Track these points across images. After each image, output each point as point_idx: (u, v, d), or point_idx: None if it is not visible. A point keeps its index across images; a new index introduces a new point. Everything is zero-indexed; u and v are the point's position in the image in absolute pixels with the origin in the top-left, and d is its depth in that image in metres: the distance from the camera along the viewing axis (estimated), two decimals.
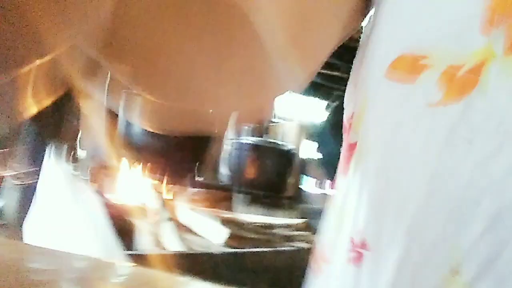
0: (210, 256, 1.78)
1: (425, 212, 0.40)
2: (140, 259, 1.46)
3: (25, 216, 1.48)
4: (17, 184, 1.50)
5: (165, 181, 2.03)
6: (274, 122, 4.09)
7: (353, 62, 0.48)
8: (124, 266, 0.46)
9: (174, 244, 1.82)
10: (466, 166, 0.38)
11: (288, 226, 2.37)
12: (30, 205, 1.49)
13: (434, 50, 0.40)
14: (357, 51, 0.48)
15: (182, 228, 2.02)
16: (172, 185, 2.34)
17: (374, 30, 0.44)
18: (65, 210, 1.43)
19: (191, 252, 1.77)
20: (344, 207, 0.45)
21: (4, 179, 1.38)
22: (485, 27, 0.38)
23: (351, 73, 0.49)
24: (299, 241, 2.27)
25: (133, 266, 0.42)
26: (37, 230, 1.42)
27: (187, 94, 0.35)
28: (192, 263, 1.64)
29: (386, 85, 0.42)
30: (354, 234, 0.44)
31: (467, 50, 0.39)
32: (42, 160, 1.52)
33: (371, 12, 0.46)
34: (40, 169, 1.46)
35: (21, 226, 1.49)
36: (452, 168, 0.39)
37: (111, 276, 0.35)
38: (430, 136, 0.40)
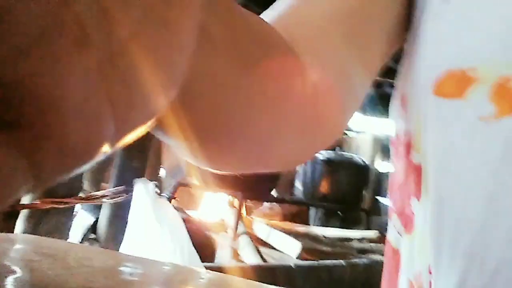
0: (285, 268, 1.81)
1: (484, 235, 0.38)
2: (218, 271, 1.54)
3: (115, 231, 1.63)
4: (108, 203, 1.65)
5: (241, 196, 2.11)
6: (347, 135, 4.07)
7: (396, 76, 0.46)
8: (204, 271, 0.50)
9: (250, 257, 1.89)
10: None
11: (362, 239, 2.36)
12: (119, 221, 1.64)
13: (482, 62, 0.38)
14: (399, 65, 0.46)
15: (258, 242, 2.09)
16: (248, 201, 2.42)
17: (418, 46, 0.42)
18: (152, 234, 1.55)
19: (267, 264, 1.82)
20: (423, 234, 0.43)
21: (97, 198, 1.53)
22: None
23: (395, 87, 0.46)
24: (373, 253, 2.26)
25: (214, 274, 0.46)
26: (130, 245, 1.56)
27: (258, 161, 0.33)
28: (268, 275, 1.70)
29: (435, 103, 0.40)
30: (431, 262, 0.42)
31: None
32: (130, 179, 1.67)
33: (413, 26, 0.44)
34: (127, 188, 1.60)
35: (112, 239, 1.63)
36: (510, 187, 0.37)
37: (193, 280, 0.38)
38: (484, 154, 0.38)
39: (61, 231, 1.47)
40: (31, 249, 0.44)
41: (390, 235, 0.48)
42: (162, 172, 2.18)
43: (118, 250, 1.55)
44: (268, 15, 0.38)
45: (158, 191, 1.73)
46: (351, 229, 2.71)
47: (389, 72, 0.47)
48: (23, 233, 1.34)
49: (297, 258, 1.94)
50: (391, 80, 0.49)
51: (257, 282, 0.41)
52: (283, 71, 0.29)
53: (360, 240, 2.35)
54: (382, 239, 2.47)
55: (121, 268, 0.40)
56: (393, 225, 0.47)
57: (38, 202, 1.32)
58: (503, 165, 0.38)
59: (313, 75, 0.32)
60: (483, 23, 0.39)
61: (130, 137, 0.15)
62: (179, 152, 0.26)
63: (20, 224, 1.37)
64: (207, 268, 1.50)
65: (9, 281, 0.31)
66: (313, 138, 0.36)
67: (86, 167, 0.14)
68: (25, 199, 1.36)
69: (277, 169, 0.38)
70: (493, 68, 0.38)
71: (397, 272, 0.46)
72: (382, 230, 2.69)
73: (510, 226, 0.37)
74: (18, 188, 0.12)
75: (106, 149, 0.14)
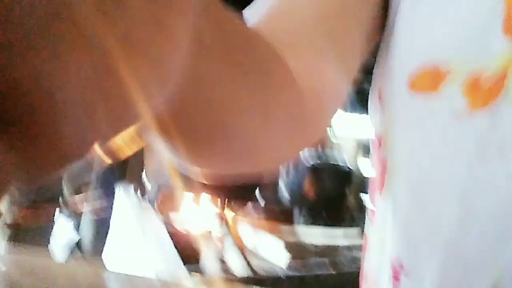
0: (275, 279, 1.79)
1: (460, 230, 0.38)
2: (205, 283, 1.52)
3: (100, 247, 1.59)
4: (92, 219, 1.62)
5: (227, 207, 2.10)
6: (327, 133, 4.08)
7: (373, 72, 0.46)
8: (190, 284, 0.49)
9: (238, 269, 1.87)
10: (499, 179, 0.35)
11: (352, 248, 2.35)
12: (104, 237, 1.60)
13: (455, 56, 0.37)
14: (376, 61, 0.45)
15: (246, 253, 2.07)
16: (234, 211, 2.40)
17: (392, 41, 0.41)
18: (134, 239, 1.53)
19: (256, 276, 1.81)
20: (384, 228, 0.44)
21: (81, 215, 1.50)
22: (508, 26, 0.35)
23: (372, 83, 0.46)
24: (359, 250, 2.26)
25: (201, 285, 0.45)
26: (113, 258, 1.53)
27: (245, 162, 0.33)
28: (258, 286, 1.68)
29: (408, 98, 0.39)
30: (392, 257, 0.42)
31: (490, 52, 0.36)
32: (113, 195, 1.63)
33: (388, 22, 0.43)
34: (111, 204, 1.57)
35: (97, 255, 1.59)
36: (484, 182, 0.36)
37: None
38: (458, 149, 0.37)
39: (41, 238, 1.43)
40: (14, 270, 0.42)
41: (366, 227, 0.49)
42: (144, 175, 2.15)
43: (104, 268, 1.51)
44: (249, 16, 0.37)
45: (140, 195, 1.70)
46: (340, 235, 2.72)
47: (367, 69, 0.46)
48: (4, 240, 1.31)
49: (287, 269, 1.92)
50: (369, 77, 0.47)
51: None
52: (271, 75, 0.29)
53: (349, 249, 2.34)
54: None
55: (108, 285, 0.39)
56: (369, 219, 0.48)
57: (16, 211, 1.28)
58: (476, 160, 0.37)
59: (297, 76, 0.31)
60: (456, 17, 0.38)
61: (120, 136, 0.15)
62: (166, 153, 0.26)
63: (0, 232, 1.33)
64: (191, 271, 1.47)
65: None
66: (298, 137, 0.35)
67: (75, 166, 0.14)
68: (2, 207, 1.32)
69: (263, 168, 0.38)
70: (466, 62, 0.37)
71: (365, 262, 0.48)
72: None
73: (485, 220, 0.37)
74: (8, 183, 0.12)
75: (97, 147, 0.15)
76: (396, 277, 0.41)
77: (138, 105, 0.15)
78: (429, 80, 0.38)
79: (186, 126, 0.23)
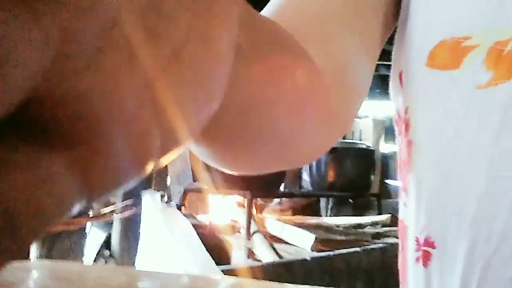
0: (301, 262, 1.82)
1: (489, 201, 0.37)
2: (234, 272, 1.55)
3: (131, 255, 1.64)
4: (123, 227, 1.66)
5: (250, 195, 2.12)
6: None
7: (392, 52, 0.46)
8: (224, 279, 0.51)
9: (266, 255, 1.89)
10: None
11: (375, 224, 2.36)
12: (135, 245, 1.65)
13: (476, 28, 0.37)
14: (394, 41, 0.45)
15: (272, 239, 2.09)
16: (258, 199, 2.42)
17: (410, 21, 0.41)
18: (164, 243, 1.56)
19: (282, 261, 1.83)
20: (410, 207, 0.44)
21: (107, 215, 1.54)
22: None
23: (392, 67, 0.46)
24: (387, 236, 2.26)
25: (232, 278, 0.46)
26: (144, 263, 1.57)
27: (282, 160, 0.34)
28: (285, 270, 1.71)
29: (429, 75, 0.39)
30: (418, 233, 0.42)
31: None
32: (138, 191, 1.68)
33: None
34: (139, 211, 1.61)
35: (126, 254, 1.64)
36: (511, 151, 0.36)
37: None
38: (483, 121, 0.37)
39: (75, 251, 1.48)
40: (47, 275, 0.44)
41: (401, 213, 0.48)
42: (169, 180, 2.19)
43: (133, 264, 1.56)
44: (267, 10, 0.38)
45: (166, 200, 1.73)
46: (363, 215, 2.72)
47: (384, 54, 0.46)
48: (38, 257, 1.36)
49: (312, 250, 1.94)
50: (386, 62, 0.47)
51: (276, 283, 0.40)
52: (301, 72, 0.29)
53: (373, 225, 2.35)
54: (395, 222, 2.47)
55: (138, 284, 0.41)
56: (403, 203, 0.47)
57: None
58: (502, 131, 0.37)
59: (322, 69, 0.32)
60: None
61: (174, 152, 0.15)
62: (199, 156, 0.26)
63: (34, 249, 1.38)
64: (223, 271, 1.51)
65: None
66: (329, 130, 0.36)
67: (131, 183, 0.14)
68: None
69: (296, 164, 0.39)
70: (488, 34, 0.37)
71: (406, 249, 0.46)
72: (394, 213, 2.69)
73: None
74: (72, 205, 0.12)
75: (152, 164, 0.14)
76: (426, 255, 0.41)
77: (190, 121, 0.15)
78: (451, 55, 0.38)
79: (222, 129, 0.24)
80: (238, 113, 0.24)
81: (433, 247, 0.41)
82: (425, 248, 0.41)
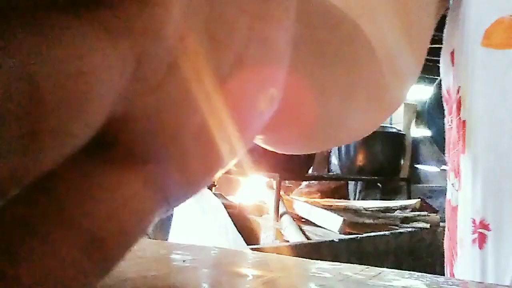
0: (329, 243, 1.84)
1: None
2: (262, 251, 1.58)
3: (162, 224, 1.69)
4: None
5: (279, 178, 2.14)
6: None
7: (444, 31, 0.45)
8: (250, 253, 0.52)
9: (294, 236, 1.92)
10: None
11: (404, 208, 2.35)
12: (168, 224, 1.70)
13: None
14: (446, 20, 0.44)
15: (300, 221, 2.12)
16: (286, 181, 2.44)
17: (461, 4, 0.41)
18: (193, 216, 1.61)
19: (310, 242, 1.85)
20: (464, 188, 0.43)
21: None
22: None
23: (443, 46, 0.45)
24: (416, 221, 2.26)
25: (261, 253, 0.47)
26: (177, 235, 1.62)
27: (330, 140, 0.34)
28: (313, 251, 1.73)
29: (485, 54, 0.39)
30: (474, 215, 0.42)
31: None
32: None
33: None
34: None
35: (160, 231, 1.69)
36: None
37: (241, 261, 0.39)
38: None
39: None
40: None
41: (449, 193, 0.48)
42: None
43: (167, 240, 1.61)
44: None
45: None
46: (391, 199, 2.71)
47: None
48: None
49: (340, 233, 1.95)
50: None
51: (304, 259, 0.40)
52: (354, 53, 0.29)
53: (402, 209, 2.34)
54: (424, 207, 2.46)
55: (172, 256, 0.43)
56: (451, 183, 0.47)
57: None
58: None
59: (375, 45, 0.32)
60: None
61: (241, 155, 0.15)
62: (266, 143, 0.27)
63: None
64: (252, 250, 1.54)
65: None
66: (379, 107, 0.36)
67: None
68: None
69: (345, 142, 0.39)
70: None
71: (457, 230, 0.46)
72: (424, 198, 2.67)
73: None
74: (152, 221, 0.13)
75: (222, 171, 0.15)
76: (482, 237, 0.41)
77: (255, 124, 0.15)
78: (508, 34, 0.38)
79: (282, 123, 0.24)
80: (293, 101, 0.24)
81: (488, 229, 0.40)
82: (481, 230, 0.41)
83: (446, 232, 0.48)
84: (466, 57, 0.41)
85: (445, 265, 0.48)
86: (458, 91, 0.43)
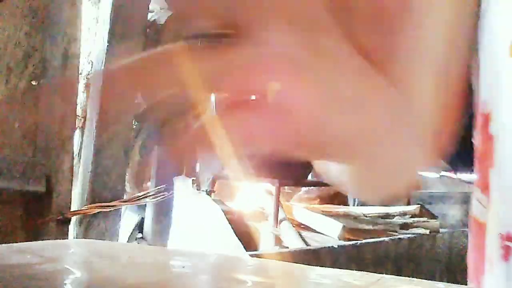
0: (329, 250, 1.84)
1: None
2: (262, 257, 1.58)
3: (160, 229, 1.69)
4: (155, 211, 1.71)
5: (279, 184, 2.14)
6: None
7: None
8: (250, 259, 0.52)
9: (293, 242, 1.92)
10: None
11: (403, 214, 2.35)
12: (164, 219, 1.69)
13: None
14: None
15: (300, 227, 2.11)
16: (285, 187, 2.44)
17: (490, 7, 0.40)
18: (192, 222, 1.61)
19: (309, 248, 1.85)
20: (494, 203, 0.43)
21: (140, 199, 1.59)
22: None
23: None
24: (415, 227, 2.25)
25: (259, 260, 0.47)
26: (176, 241, 1.62)
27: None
28: (312, 257, 1.73)
29: None
30: (501, 229, 0.42)
31: None
32: (170, 177, 1.72)
33: None
34: (168, 186, 1.65)
35: (158, 237, 1.69)
36: None
37: (240, 267, 0.40)
38: None
39: (111, 233, 1.53)
40: (86, 252, 0.48)
41: (475, 209, 0.47)
42: (198, 167, 2.22)
43: (165, 247, 1.60)
44: None
45: (197, 187, 1.77)
46: (391, 205, 2.71)
47: None
48: (75, 237, 1.41)
49: (339, 239, 1.95)
50: None
51: (303, 265, 0.42)
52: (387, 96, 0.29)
53: (402, 215, 2.34)
54: (423, 213, 2.45)
55: (172, 262, 0.43)
56: (476, 198, 0.46)
57: (86, 208, 1.38)
58: None
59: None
60: None
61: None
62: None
63: (72, 230, 1.44)
64: (251, 256, 1.53)
65: (73, 282, 0.33)
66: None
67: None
68: (74, 206, 1.42)
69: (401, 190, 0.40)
70: None
71: (485, 246, 0.45)
72: (423, 204, 2.67)
73: None
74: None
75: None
76: (507, 250, 0.41)
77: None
78: None
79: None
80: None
81: None
82: (507, 243, 0.41)
83: (470, 248, 0.48)
84: (493, 70, 0.41)
85: (468, 281, 0.48)
86: (485, 105, 0.43)
